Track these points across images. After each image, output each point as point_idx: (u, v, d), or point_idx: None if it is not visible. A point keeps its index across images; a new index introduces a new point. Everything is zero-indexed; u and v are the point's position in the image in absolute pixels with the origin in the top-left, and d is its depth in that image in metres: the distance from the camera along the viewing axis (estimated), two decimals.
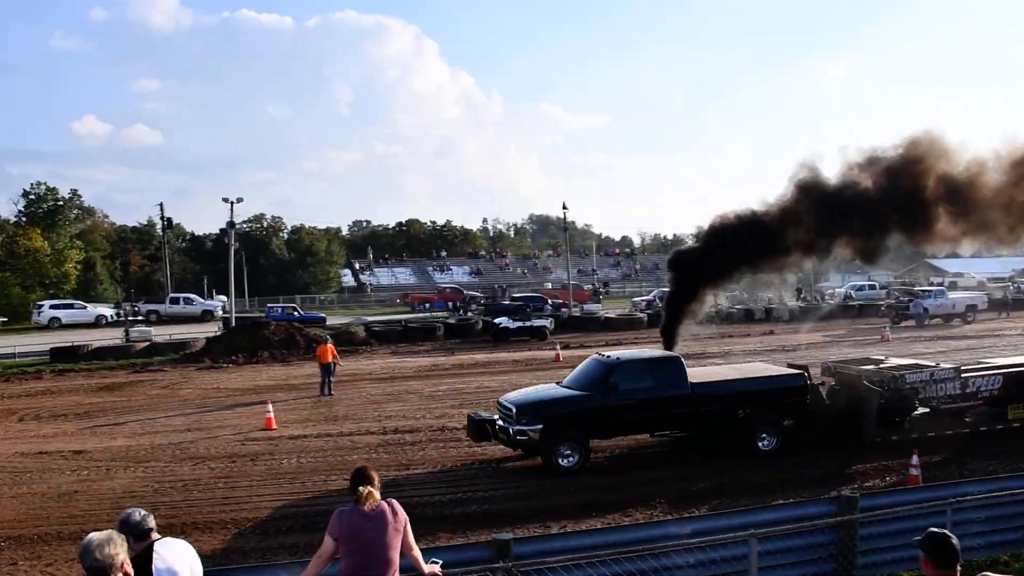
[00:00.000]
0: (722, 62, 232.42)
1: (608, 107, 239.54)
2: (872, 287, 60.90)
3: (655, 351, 17.68)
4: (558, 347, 34.26)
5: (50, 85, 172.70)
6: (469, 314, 51.33)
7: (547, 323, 42.05)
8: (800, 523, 9.12)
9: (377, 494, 5.97)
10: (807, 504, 10.05)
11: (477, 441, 16.14)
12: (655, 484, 14.01)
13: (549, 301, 56.34)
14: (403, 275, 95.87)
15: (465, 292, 70.14)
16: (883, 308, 46.41)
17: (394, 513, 6.00)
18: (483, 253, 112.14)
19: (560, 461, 14.69)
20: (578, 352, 32.93)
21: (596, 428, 15.26)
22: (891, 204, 17.29)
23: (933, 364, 17.47)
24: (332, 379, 24.79)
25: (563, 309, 53.73)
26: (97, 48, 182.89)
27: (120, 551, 4.23)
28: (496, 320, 41.66)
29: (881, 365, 17.54)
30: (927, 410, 16.27)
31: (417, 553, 6.22)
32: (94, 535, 4.31)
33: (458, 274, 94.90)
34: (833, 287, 64.68)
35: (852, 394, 16.06)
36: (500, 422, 15.37)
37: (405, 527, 6.05)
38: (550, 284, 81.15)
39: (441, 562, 6.50)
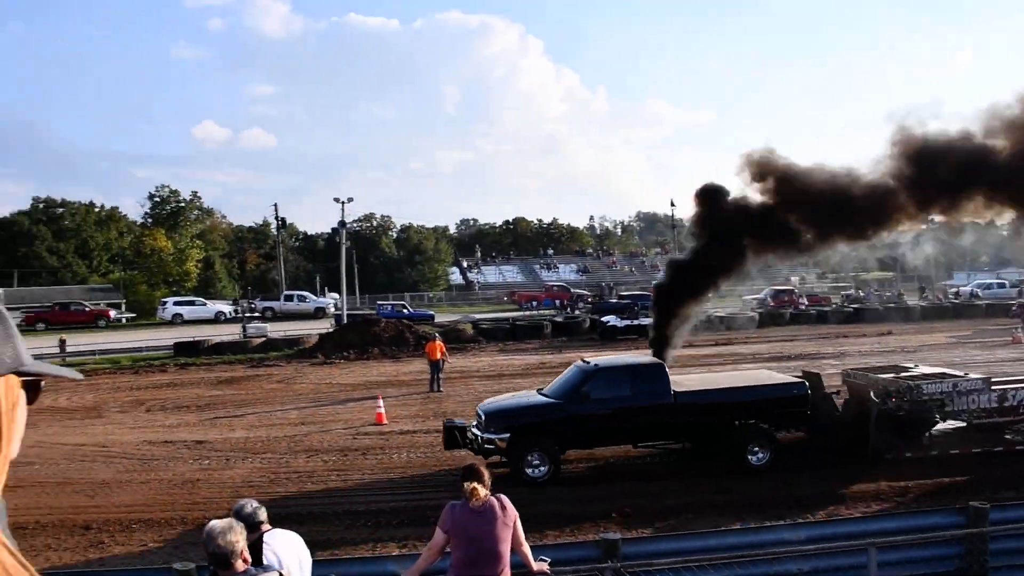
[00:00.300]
0: (834, 57, 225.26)
1: (714, 102, 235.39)
2: (1001, 285, 57.33)
3: (639, 357, 17.08)
4: None
5: (173, 93, 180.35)
6: (576, 312, 51.13)
7: None
8: (923, 533, 8.73)
9: (483, 490, 5.98)
10: (930, 514, 9.66)
11: (448, 448, 15.40)
12: (621, 498, 13.26)
13: None
14: (510, 273, 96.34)
15: (572, 290, 69.99)
16: (1014, 308, 43.96)
17: (503, 508, 6.01)
18: (590, 251, 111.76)
19: (527, 470, 14.11)
20: (686, 352, 32.44)
21: (568, 438, 14.61)
22: None
23: (960, 374, 16.12)
24: (441, 376, 25.07)
25: None
26: (215, 56, 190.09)
27: (240, 539, 4.43)
28: (603, 318, 41.35)
29: (904, 373, 16.26)
30: (962, 424, 15.12)
31: (526, 549, 6.22)
32: (216, 523, 4.50)
33: (565, 272, 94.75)
34: (958, 285, 61.75)
35: (859, 406, 15.07)
36: (474, 429, 14.77)
37: (515, 523, 6.05)
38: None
39: (549, 560, 6.48)
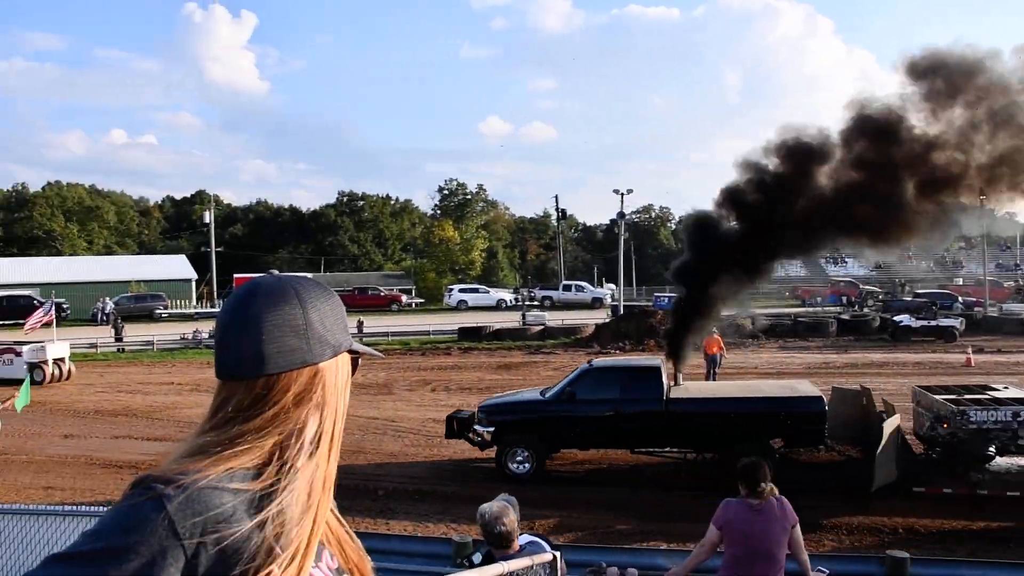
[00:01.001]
0: None
1: None
2: None
3: (643, 359, 15.98)
4: (969, 351, 30.56)
5: (460, 91, 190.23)
6: (865, 310, 48.05)
7: (956, 323, 37.87)
8: None
9: (768, 487, 5.68)
10: (851, 561, 8.41)
11: (448, 438, 15.30)
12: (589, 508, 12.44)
13: (959, 299, 50.96)
14: (793, 267, 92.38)
15: (861, 286, 65.92)
16: None
17: (783, 510, 5.67)
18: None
19: (511, 465, 14.02)
20: (994, 358, 29.40)
21: (554, 437, 14.32)
22: None
23: None
24: (717, 371, 24.48)
25: (977, 308, 48.17)
26: (499, 54, 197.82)
27: (515, 520, 4.64)
28: (896, 318, 38.41)
29: (980, 395, 14.01)
30: None
31: (805, 557, 5.83)
32: (492, 506, 4.71)
33: (854, 267, 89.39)
34: None
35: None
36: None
37: (794, 527, 5.69)
38: (961, 280, 73.49)
39: (828, 572, 6.05)
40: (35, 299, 52.85)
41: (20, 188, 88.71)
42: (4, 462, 15.78)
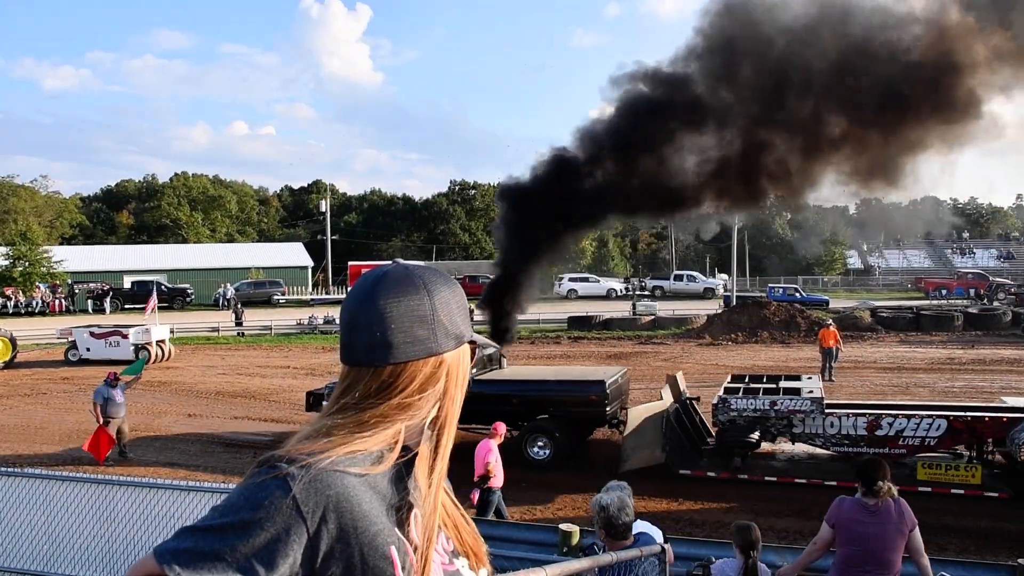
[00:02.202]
0: None
1: None
2: None
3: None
4: None
5: (572, 78, 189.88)
6: (995, 303, 45.77)
7: None
8: None
9: (887, 487, 5.45)
10: None
11: None
12: None
13: None
14: (916, 258, 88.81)
15: (991, 278, 62.84)
16: None
17: (900, 513, 5.42)
18: (1016, 235, 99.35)
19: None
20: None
21: None
22: None
23: None
24: (834, 365, 23.71)
25: None
26: (611, 41, 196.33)
27: (633, 513, 4.84)
28: None
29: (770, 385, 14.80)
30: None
31: (926, 561, 5.55)
32: (610, 497, 4.77)
33: (983, 258, 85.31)
34: None
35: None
36: None
37: (912, 531, 5.43)
38: None
39: None
40: (162, 285, 55.62)
41: (150, 179, 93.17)
42: (134, 438, 16.56)
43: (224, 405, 21.32)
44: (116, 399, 15.12)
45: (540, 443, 14.62)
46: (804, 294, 50.89)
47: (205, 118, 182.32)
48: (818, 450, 13.72)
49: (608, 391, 14.47)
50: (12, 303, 48.94)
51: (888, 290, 69.19)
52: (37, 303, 49.17)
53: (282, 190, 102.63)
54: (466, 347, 1.50)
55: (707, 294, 56.40)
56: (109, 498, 7.59)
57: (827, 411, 13.21)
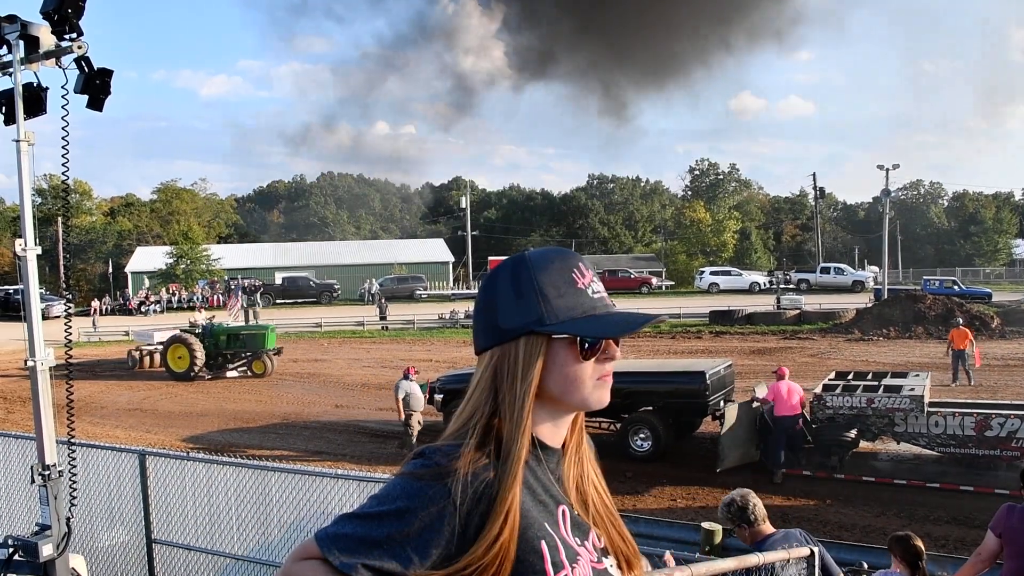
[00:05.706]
0: None
1: None
2: None
3: None
4: None
5: (706, 68, 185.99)
6: None
7: None
8: None
9: None
10: None
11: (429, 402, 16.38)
12: None
13: None
14: None
15: None
16: None
17: None
18: None
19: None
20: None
21: None
22: None
23: None
24: (969, 367, 21.75)
25: None
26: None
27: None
28: None
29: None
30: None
31: None
32: (734, 493, 4.75)
33: None
34: None
35: None
36: None
37: None
38: None
39: None
40: (311, 280, 57.69)
41: (299, 179, 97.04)
42: (285, 427, 17.26)
43: (369, 396, 21.94)
44: (415, 392, 15.67)
45: (642, 435, 14.58)
46: (964, 287, 48.08)
47: (348, 118, 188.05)
48: (923, 450, 13.27)
49: (709, 382, 14.23)
50: (176, 298, 52.27)
51: None
52: (197, 298, 52.04)
53: (423, 187, 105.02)
54: (561, 339, 1.46)
55: (856, 287, 54.12)
56: (264, 483, 7.91)
57: (930, 410, 12.69)
